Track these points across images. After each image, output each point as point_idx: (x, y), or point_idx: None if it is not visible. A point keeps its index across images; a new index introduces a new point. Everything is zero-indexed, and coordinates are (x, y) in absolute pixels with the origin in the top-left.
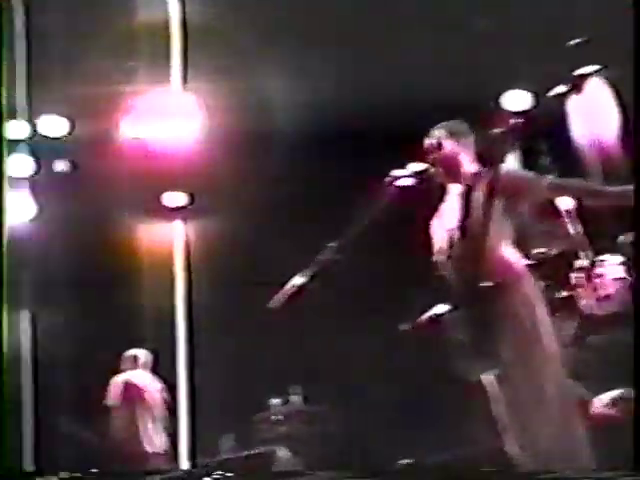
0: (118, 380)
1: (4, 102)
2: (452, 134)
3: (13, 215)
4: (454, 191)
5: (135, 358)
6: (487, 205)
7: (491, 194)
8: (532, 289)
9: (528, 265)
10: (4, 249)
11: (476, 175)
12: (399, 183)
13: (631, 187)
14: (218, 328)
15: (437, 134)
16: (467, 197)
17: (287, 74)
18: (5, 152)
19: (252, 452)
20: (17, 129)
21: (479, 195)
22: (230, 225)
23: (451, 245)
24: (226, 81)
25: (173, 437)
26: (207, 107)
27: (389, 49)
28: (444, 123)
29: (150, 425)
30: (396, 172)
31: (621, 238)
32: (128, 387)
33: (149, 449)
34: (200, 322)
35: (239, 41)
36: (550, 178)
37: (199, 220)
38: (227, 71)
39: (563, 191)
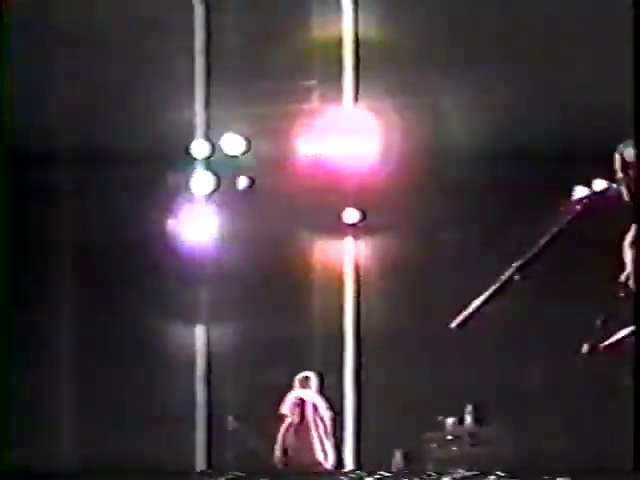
0: (292, 396)
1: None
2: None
3: (195, 232)
4: None
5: (307, 379)
6: None
7: None
8: None
9: None
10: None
11: None
12: (583, 202)
13: None
14: (390, 347)
15: (624, 152)
16: None
17: (463, 90)
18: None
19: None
20: (198, 148)
21: None
22: (405, 243)
23: None
24: (402, 100)
25: (340, 453)
26: (383, 125)
27: (571, 65)
28: (631, 141)
29: (321, 439)
30: (579, 191)
31: None
32: (301, 403)
33: (320, 461)
34: (372, 341)
35: (414, 58)
36: None
37: (375, 237)
38: (403, 88)
39: None
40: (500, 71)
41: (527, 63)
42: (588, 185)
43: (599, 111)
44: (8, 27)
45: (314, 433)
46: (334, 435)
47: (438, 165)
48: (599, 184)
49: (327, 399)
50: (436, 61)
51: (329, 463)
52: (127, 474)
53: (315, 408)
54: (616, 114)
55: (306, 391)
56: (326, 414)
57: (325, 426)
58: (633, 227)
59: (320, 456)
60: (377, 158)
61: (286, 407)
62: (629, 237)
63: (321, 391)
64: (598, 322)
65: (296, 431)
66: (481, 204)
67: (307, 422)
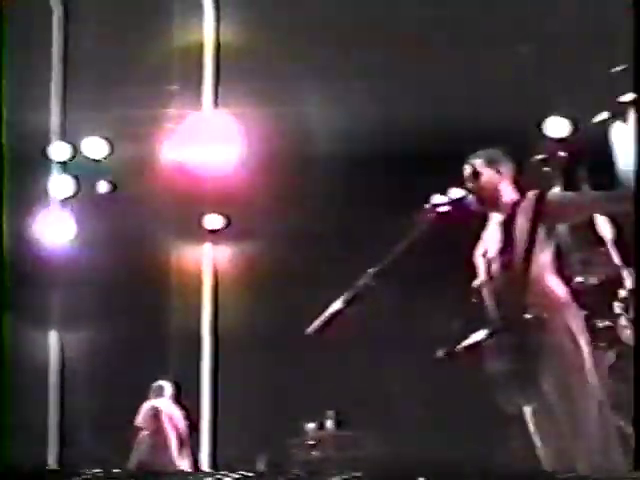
0: (147, 406)
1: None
2: (490, 162)
3: (53, 236)
4: (495, 220)
5: (161, 387)
6: (530, 233)
7: (535, 221)
8: (574, 319)
9: (571, 294)
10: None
11: (516, 203)
12: (439, 210)
13: None
14: (249, 351)
15: (474, 163)
16: (508, 226)
17: (325, 96)
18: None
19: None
20: (56, 150)
21: (522, 223)
22: (267, 249)
23: (492, 274)
24: (264, 106)
25: (196, 462)
26: (247, 131)
27: (429, 77)
28: (482, 152)
29: (178, 448)
30: (436, 199)
31: None
32: (156, 412)
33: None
34: (229, 346)
35: (276, 63)
36: (594, 193)
37: (237, 243)
38: (264, 93)
39: (608, 204)
40: (362, 77)
41: (391, 70)
42: (444, 193)
43: (457, 119)
44: None
45: (170, 443)
46: (190, 444)
47: (299, 171)
48: (456, 192)
49: (183, 407)
50: (298, 66)
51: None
52: None
53: (170, 418)
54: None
55: (161, 400)
56: (181, 423)
57: (181, 435)
58: (486, 236)
59: (177, 466)
60: (238, 164)
61: (140, 418)
62: (480, 246)
63: (177, 399)
64: (454, 327)
65: (151, 442)
66: (343, 213)
67: (162, 432)
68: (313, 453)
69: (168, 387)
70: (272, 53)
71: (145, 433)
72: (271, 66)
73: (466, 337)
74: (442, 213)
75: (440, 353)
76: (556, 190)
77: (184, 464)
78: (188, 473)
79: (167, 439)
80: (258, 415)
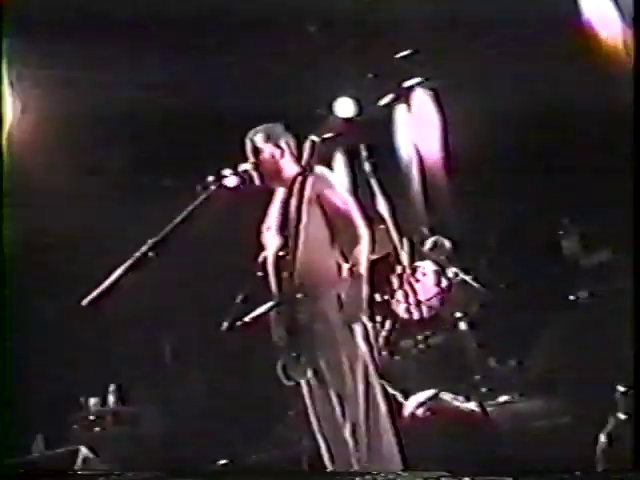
0: None
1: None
2: (269, 138)
3: None
4: (279, 195)
5: None
6: (298, 209)
7: (300, 197)
8: (348, 292)
9: (348, 269)
10: None
11: (294, 179)
12: (225, 183)
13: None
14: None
15: (254, 139)
16: (286, 201)
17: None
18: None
19: (56, 452)
20: None
21: (295, 199)
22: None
23: (274, 249)
24: None
25: None
26: None
27: (215, 48)
28: (262, 127)
29: None
30: (223, 172)
31: (428, 243)
32: None
33: None
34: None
35: None
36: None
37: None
38: None
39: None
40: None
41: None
42: (230, 167)
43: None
44: None
45: None
46: None
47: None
48: (242, 167)
49: None
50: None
51: None
52: None
53: None
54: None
55: None
56: None
57: None
58: (271, 211)
59: None
60: None
61: None
62: (265, 221)
63: None
64: (238, 300)
65: None
66: (126, 181)
67: None
68: (95, 429)
69: None
70: None
71: None
72: None
73: (250, 310)
74: (228, 187)
75: (224, 326)
76: (324, 169)
77: None
78: None
79: None
80: (40, 394)
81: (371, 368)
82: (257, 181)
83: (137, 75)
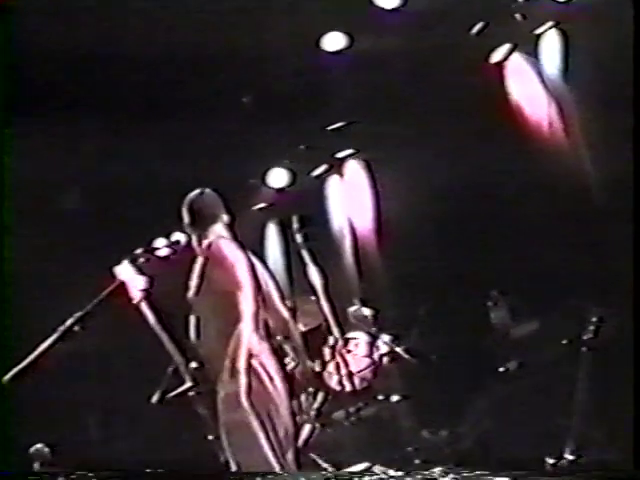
0: None
1: None
2: (205, 207)
3: None
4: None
5: None
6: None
7: (204, 267)
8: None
9: (270, 344)
10: None
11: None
12: (158, 253)
13: None
14: None
15: (194, 203)
16: (203, 267)
17: None
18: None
19: None
20: None
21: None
22: None
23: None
24: None
25: None
26: None
27: (149, 116)
28: (198, 196)
29: None
30: (157, 242)
31: (351, 310)
32: None
33: None
34: None
35: None
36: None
37: None
38: None
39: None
40: None
41: None
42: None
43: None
44: None
45: None
46: None
47: None
48: (176, 236)
49: None
50: None
51: None
52: None
53: None
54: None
55: None
56: None
57: None
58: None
59: None
60: None
61: None
62: (192, 288)
63: None
64: (169, 371)
65: None
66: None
67: None
68: None
69: None
70: None
71: None
72: None
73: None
74: (161, 257)
75: (154, 398)
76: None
77: None
78: None
79: None
80: None
81: None
82: (193, 248)
83: (72, 142)
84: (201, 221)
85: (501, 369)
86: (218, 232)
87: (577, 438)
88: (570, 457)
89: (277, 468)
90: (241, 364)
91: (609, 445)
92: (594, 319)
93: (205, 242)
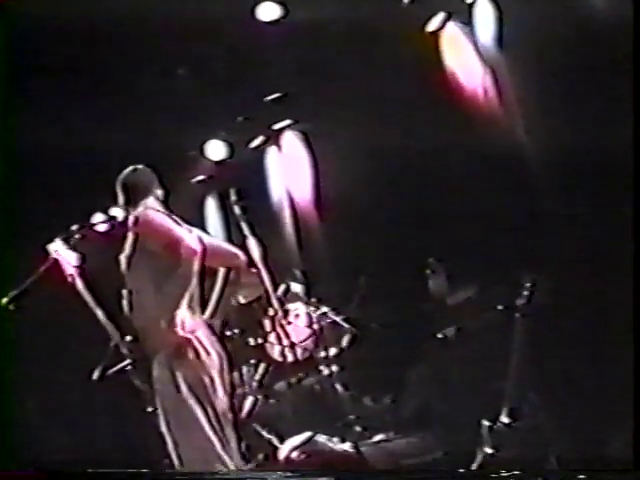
0: None
1: None
2: (141, 183)
3: None
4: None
5: None
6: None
7: (135, 243)
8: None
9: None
10: None
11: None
12: (97, 228)
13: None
14: None
15: (129, 181)
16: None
17: None
18: None
19: None
20: None
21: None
22: None
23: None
24: None
25: None
26: None
27: (86, 89)
28: (132, 172)
29: None
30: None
31: (293, 286)
32: None
33: None
34: None
35: None
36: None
37: None
38: None
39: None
40: None
41: None
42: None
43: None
44: None
45: None
46: None
47: None
48: (115, 212)
49: None
50: None
51: None
52: None
53: None
54: None
55: None
56: None
57: None
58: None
59: None
60: None
61: None
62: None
63: None
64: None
65: None
66: None
67: None
68: None
69: None
70: None
71: None
72: None
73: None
74: (100, 232)
75: (95, 375)
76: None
77: None
78: None
79: None
80: None
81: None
82: (131, 225)
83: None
84: (135, 198)
85: (439, 335)
86: (150, 206)
87: (512, 402)
88: (506, 420)
89: (217, 444)
90: (176, 338)
91: (544, 409)
92: (527, 284)
93: (131, 217)
